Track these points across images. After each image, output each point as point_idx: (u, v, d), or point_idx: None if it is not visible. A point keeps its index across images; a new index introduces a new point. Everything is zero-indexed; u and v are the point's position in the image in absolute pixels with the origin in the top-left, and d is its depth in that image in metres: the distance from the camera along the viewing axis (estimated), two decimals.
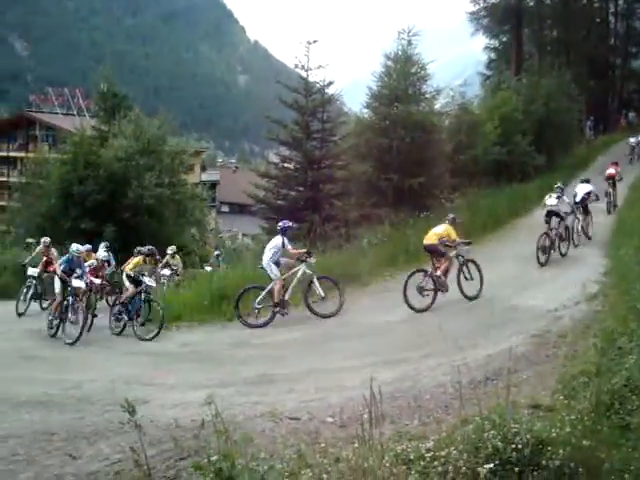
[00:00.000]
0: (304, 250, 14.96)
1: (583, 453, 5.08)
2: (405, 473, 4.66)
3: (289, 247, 14.48)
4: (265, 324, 14.01)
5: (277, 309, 14.22)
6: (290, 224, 14.95)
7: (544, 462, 4.92)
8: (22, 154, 48.45)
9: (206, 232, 30.31)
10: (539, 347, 10.24)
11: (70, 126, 32.93)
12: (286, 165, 24.80)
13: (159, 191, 24.19)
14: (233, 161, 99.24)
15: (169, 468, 6.35)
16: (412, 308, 13.70)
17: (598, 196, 19.64)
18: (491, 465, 4.75)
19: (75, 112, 51.47)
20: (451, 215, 15.58)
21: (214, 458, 4.48)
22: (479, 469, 4.66)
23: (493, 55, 49.48)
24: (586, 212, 18.86)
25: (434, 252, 14.54)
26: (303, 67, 23.41)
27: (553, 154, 31.55)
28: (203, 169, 55.00)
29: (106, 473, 6.35)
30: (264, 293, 14.27)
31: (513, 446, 4.97)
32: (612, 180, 23.20)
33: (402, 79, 24.34)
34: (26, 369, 11.42)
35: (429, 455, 5.03)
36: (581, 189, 19.26)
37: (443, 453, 5.01)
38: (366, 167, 23.53)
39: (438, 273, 14.20)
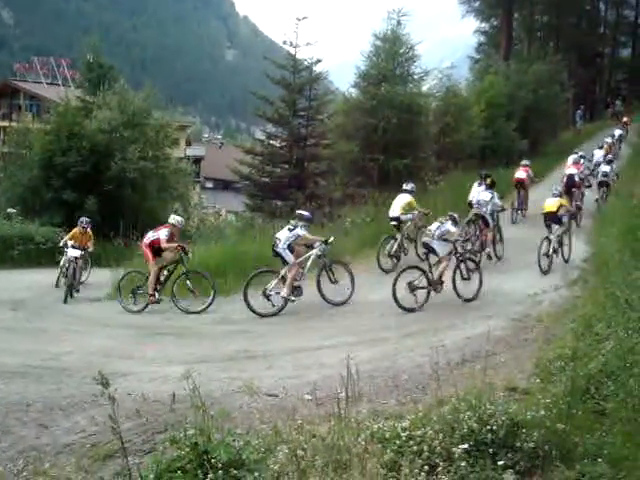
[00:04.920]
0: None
1: (557, 436, 5.13)
2: (380, 451, 4.69)
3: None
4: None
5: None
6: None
7: (518, 444, 4.97)
8: (5, 123, 47.83)
9: (189, 207, 30.08)
10: (518, 331, 10.30)
11: (54, 96, 32.51)
12: (272, 142, 24.68)
13: (142, 164, 23.97)
14: (219, 137, 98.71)
15: (145, 442, 6.35)
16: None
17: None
18: (466, 445, 4.79)
19: (60, 82, 50.87)
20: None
21: (190, 432, 4.48)
22: (454, 449, 4.70)
23: (483, 38, 49.47)
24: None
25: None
26: (291, 44, 23.26)
27: (538, 140, 31.65)
28: (188, 144, 54.53)
29: (82, 445, 6.34)
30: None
31: (488, 427, 5.02)
32: (626, 126, 31.32)
33: (390, 59, 24.27)
34: (5, 340, 11.35)
35: (405, 434, 5.07)
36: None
37: (419, 433, 5.05)
38: (352, 146, 23.46)
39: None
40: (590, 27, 52.05)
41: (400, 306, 12.16)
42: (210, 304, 13.45)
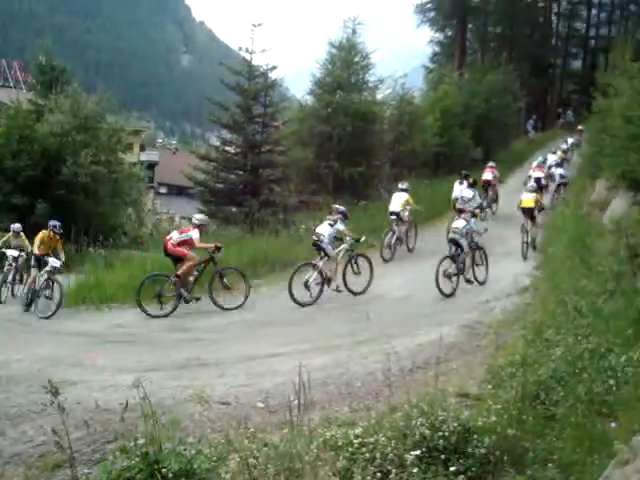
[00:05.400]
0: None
1: (508, 442, 5.19)
2: (333, 459, 4.68)
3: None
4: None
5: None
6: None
7: (470, 450, 5.00)
8: None
9: (142, 213, 29.78)
10: (470, 337, 10.41)
11: (5, 98, 31.92)
12: (226, 148, 24.54)
13: (95, 169, 23.63)
14: (174, 142, 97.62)
15: (95, 451, 6.25)
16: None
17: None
18: (418, 452, 4.81)
19: (12, 84, 49.96)
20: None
21: (141, 442, 4.42)
22: (406, 456, 4.72)
23: (437, 48, 49.94)
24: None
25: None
26: (247, 50, 23.19)
27: (491, 148, 32.12)
28: (142, 149, 53.87)
29: (30, 455, 6.22)
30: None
31: (440, 434, 5.05)
32: (581, 134, 32.72)
33: (345, 67, 24.49)
34: None
35: (357, 441, 5.07)
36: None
37: (371, 440, 5.05)
38: (307, 154, 23.54)
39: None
40: (542, 39, 52.99)
41: (442, 293, 13.59)
42: (244, 301, 13.90)
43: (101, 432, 6.65)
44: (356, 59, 24.79)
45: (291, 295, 13.53)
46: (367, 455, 4.82)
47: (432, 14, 47.70)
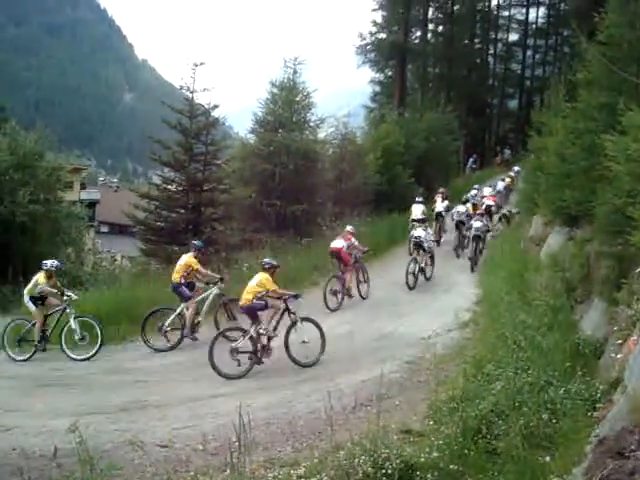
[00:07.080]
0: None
1: (451, 477, 5.20)
2: None
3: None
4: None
5: None
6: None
7: None
8: None
9: (82, 252, 29.22)
10: (412, 373, 10.46)
11: None
12: (168, 187, 24.30)
13: (33, 208, 23.20)
14: (115, 180, 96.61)
15: None
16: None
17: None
18: None
19: None
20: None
21: None
22: None
23: (378, 88, 50.71)
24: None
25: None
26: (189, 89, 23.13)
27: (432, 186, 32.59)
28: (83, 187, 53.15)
29: None
30: None
31: (383, 471, 5.04)
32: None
33: (287, 106, 24.62)
34: None
35: None
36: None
37: None
38: (249, 192, 23.52)
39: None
40: (480, 79, 54.49)
41: (472, 271, 19.24)
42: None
43: (38, 479, 6.45)
44: (297, 98, 24.95)
45: (407, 283, 17.37)
46: None
47: (372, 55, 48.51)
